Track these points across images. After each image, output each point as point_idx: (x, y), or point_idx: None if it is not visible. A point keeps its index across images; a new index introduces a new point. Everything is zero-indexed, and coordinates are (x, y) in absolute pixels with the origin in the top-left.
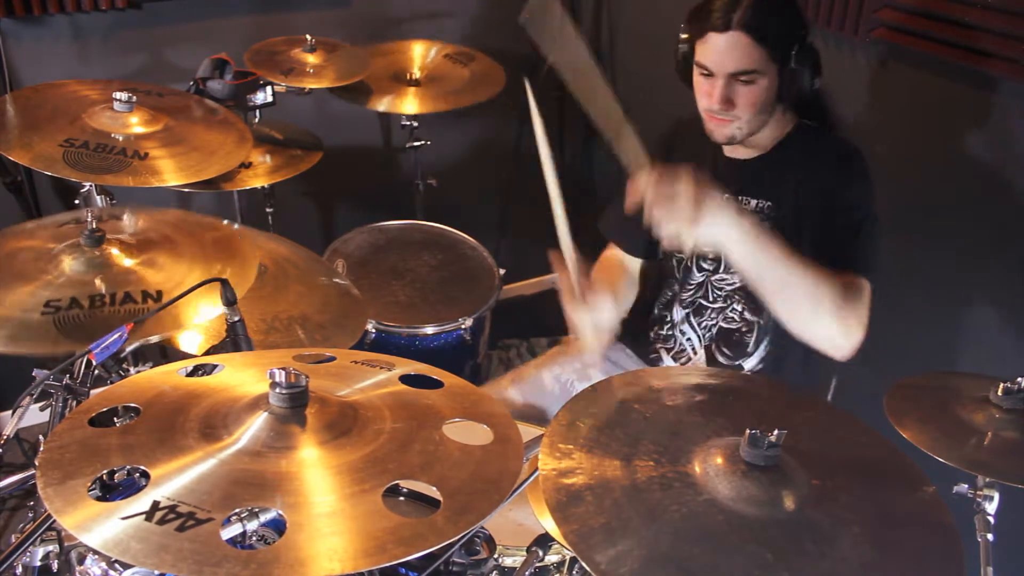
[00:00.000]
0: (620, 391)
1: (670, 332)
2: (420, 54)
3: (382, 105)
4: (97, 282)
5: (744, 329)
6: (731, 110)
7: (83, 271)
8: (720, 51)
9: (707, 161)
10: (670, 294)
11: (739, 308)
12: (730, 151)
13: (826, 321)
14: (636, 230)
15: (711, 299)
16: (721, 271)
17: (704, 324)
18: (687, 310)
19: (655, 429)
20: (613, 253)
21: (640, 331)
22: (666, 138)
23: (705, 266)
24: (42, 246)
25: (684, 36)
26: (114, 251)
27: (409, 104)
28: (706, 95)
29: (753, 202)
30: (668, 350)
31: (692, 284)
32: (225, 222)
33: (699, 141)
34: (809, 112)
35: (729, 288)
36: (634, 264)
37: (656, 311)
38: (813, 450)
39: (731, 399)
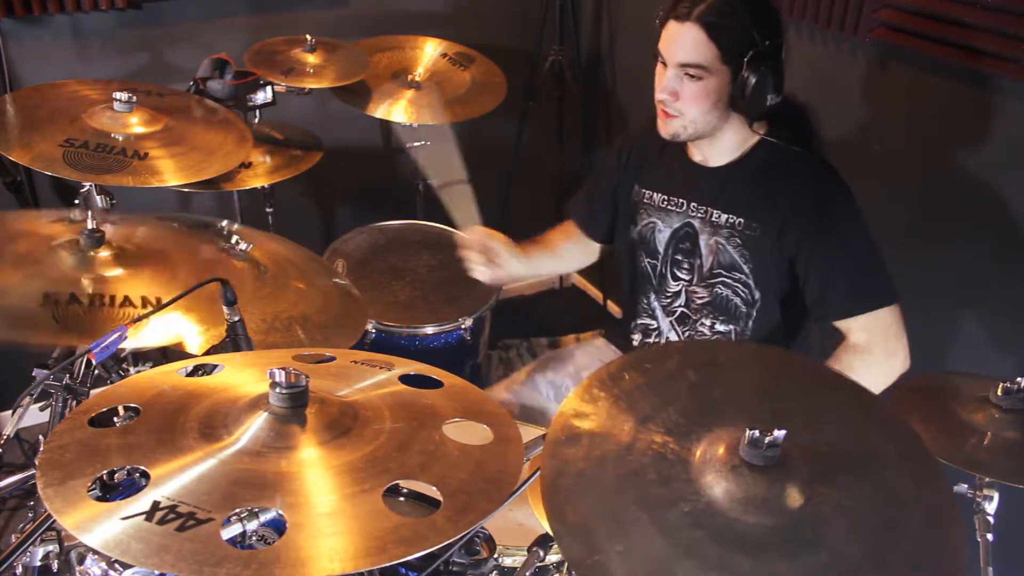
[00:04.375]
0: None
1: (656, 340)
2: (421, 53)
3: (381, 111)
4: (84, 281)
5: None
6: (675, 102)
7: (81, 269)
8: (674, 39)
9: (674, 164)
10: (647, 301)
11: (712, 320)
12: (698, 157)
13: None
14: (597, 217)
15: (691, 309)
16: (695, 283)
17: (688, 333)
18: (670, 318)
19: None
20: (573, 229)
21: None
22: (631, 139)
23: (681, 275)
24: (38, 237)
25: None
26: (111, 254)
27: (410, 112)
28: (657, 83)
29: (724, 216)
30: None
31: (670, 293)
32: (224, 222)
33: (663, 143)
34: (786, 129)
35: (704, 300)
36: (592, 244)
37: (638, 319)
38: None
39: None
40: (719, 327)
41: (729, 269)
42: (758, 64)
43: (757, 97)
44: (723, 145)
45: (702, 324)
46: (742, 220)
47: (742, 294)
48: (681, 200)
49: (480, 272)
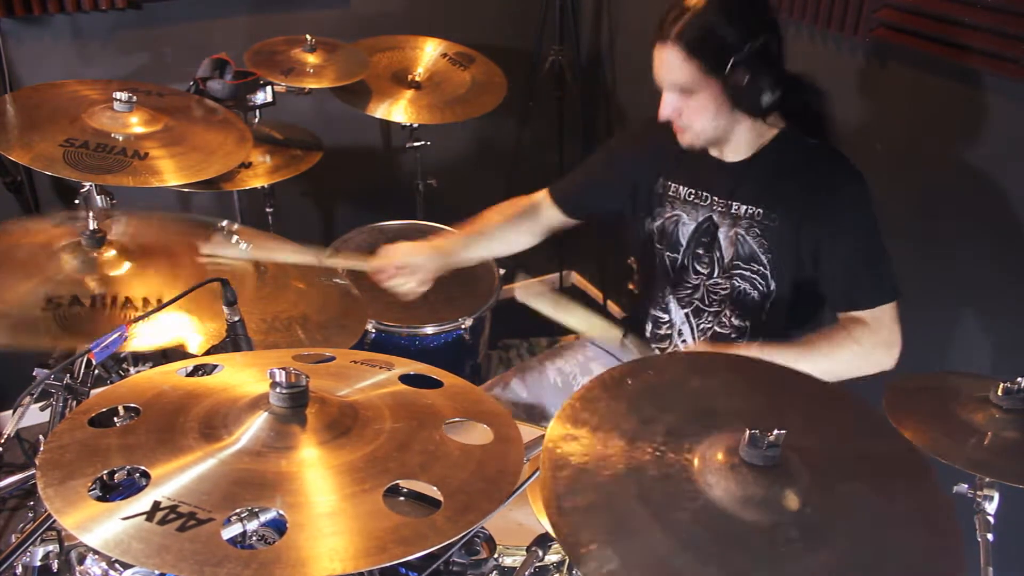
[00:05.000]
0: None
1: (667, 332)
2: (421, 53)
3: (381, 111)
4: (90, 282)
5: (735, 336)
6: (679, 120)
7: (83, 271)
8: (659, 63)
9: (698, 158)
10: (661, 294)
11: (730, 314)
12: (716, 152)
13: (853, 369)
14: (584, 196)
15: (707, 303)
16: (716, 275)
17: (701, 327)
18: (686, 310)
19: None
20: (534, 202)
21: (640, 327)
22: (653, 131)
23: (700, 269)
24: (40, 242)
25: None
26: (113, 254)
27: (410, 112)
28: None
29: (744, 208)
30: (663, 351)
31: (689, 285)
32: (224, 222)
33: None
34: (800, 119)
35: (723, 293)
36: (554, 220)
37: (651, 310)
38: (816, 443)
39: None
40: (736, 321)
41: (748, 260)
42: (743, 69)
43: (753, 99)
44: (739, 143)
45: (723, 316)
46: (761, 210)
47: (759, 286)
48: (705, 193)
49: (404, 288)
